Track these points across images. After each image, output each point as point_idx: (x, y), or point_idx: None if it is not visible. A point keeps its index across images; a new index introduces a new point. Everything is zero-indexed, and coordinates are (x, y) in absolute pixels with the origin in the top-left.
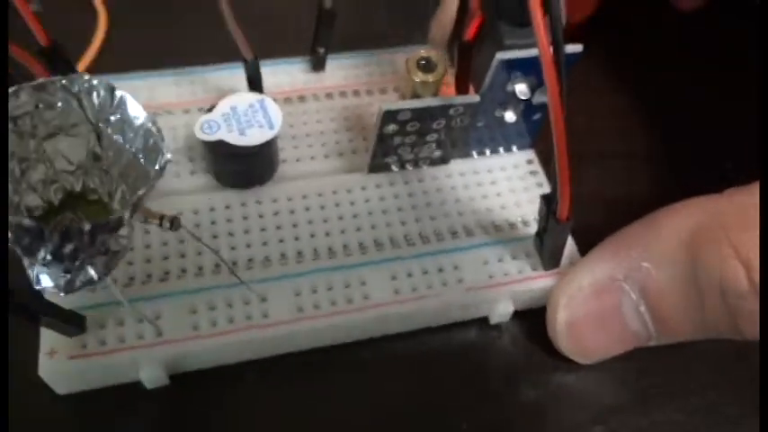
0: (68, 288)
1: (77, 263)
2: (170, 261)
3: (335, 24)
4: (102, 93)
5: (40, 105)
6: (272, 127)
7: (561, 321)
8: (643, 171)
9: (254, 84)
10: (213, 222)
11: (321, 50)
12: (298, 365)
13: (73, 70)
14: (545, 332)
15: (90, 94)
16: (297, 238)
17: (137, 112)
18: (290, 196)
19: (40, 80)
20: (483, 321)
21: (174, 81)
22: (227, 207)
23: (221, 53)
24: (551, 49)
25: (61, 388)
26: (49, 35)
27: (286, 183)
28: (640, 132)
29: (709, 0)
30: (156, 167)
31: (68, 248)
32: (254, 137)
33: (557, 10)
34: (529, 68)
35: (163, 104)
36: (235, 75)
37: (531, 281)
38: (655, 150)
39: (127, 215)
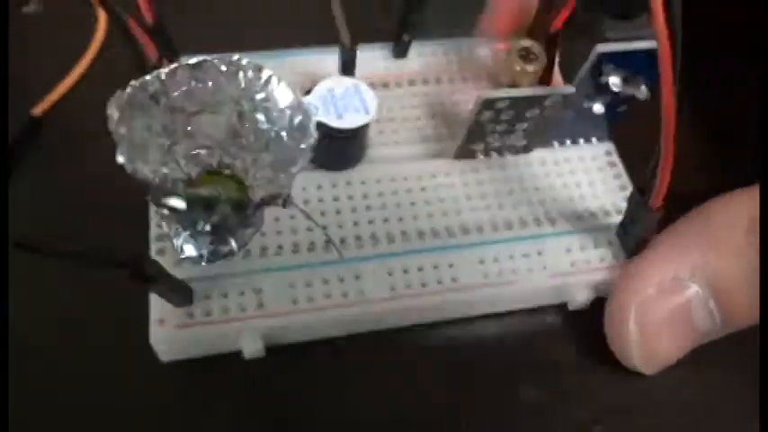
0: (211, 258)
1: (226, 235)
2: (267, 238)
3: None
4: (249, 72)
5: (193, 83)
6: (367, 112)
7: (633, 332)
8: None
9: (348, 69)
10: (306, 201)
11: (407, 38)
12: (379, 343)
13: (174, 50)
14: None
15: (237, 73)
16: (386, 220)
17: (283, 92)
18: (377, 179)
19: (198, 59)
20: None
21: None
22: (319, 187)
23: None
24: (670, 41)
25: (166, 355)
26: (155, 15)
27: (373, 166)
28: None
29: None
30: (303, 146)
31: (232, 221)
32: (351, 120)
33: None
34: (624, 61)
35: None
36: (322, 58)
37: (613, 269)
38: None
39: (286, 192)
